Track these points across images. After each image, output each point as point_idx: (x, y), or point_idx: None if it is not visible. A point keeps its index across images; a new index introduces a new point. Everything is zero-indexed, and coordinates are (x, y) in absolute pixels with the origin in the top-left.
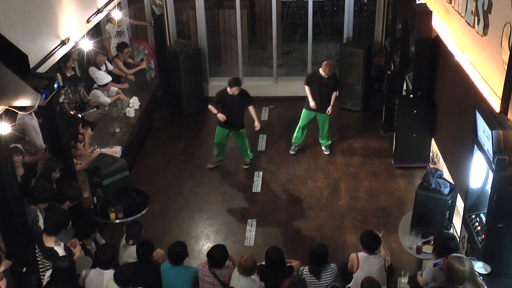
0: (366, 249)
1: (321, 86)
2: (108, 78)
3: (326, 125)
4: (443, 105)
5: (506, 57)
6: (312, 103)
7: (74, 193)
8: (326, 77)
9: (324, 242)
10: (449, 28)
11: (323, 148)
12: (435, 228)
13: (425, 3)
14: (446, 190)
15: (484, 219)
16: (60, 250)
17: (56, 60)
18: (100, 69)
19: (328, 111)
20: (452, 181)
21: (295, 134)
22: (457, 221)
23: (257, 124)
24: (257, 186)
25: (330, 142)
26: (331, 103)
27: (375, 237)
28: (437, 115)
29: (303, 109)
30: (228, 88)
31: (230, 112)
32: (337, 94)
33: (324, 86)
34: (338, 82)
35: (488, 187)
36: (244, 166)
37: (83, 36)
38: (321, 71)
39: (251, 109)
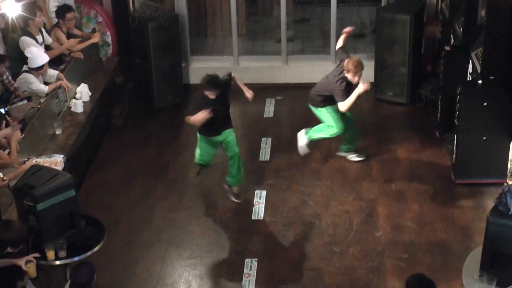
0: None
1: None
2: (44, 58)
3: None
4: None
5: None
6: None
7: (15, 236)
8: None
9: None
10: None
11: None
12: None
13: None
14: None
15: None
16: None
17: None
18: (36, 40)
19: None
20: None
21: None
22: None
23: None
24: (259, 211)
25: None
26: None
27: (427, 283)
28: None
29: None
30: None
31: None
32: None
33: None
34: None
35: None
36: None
37: None
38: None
39: None
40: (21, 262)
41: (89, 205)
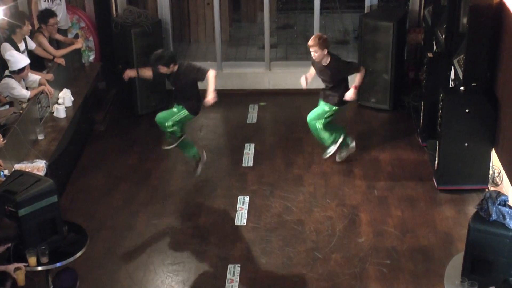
0: None
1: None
2: (25, 61)
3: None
4: (508, 101)
5: None
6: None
7: (7, 233)
8: (319, 62)
9: None
10: None
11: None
12: (497, 277)
13: None
14: None
15: None
16: None
17: None
18: (18, 48)
19: (347, 97)
20: None
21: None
22: None
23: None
24: (241, 217)
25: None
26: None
27: None
28: (500, 115)
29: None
30: None
31: None
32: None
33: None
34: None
35: None
36: None
37: None
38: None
39: None
40: (10, 268)
41: (72, 211)
